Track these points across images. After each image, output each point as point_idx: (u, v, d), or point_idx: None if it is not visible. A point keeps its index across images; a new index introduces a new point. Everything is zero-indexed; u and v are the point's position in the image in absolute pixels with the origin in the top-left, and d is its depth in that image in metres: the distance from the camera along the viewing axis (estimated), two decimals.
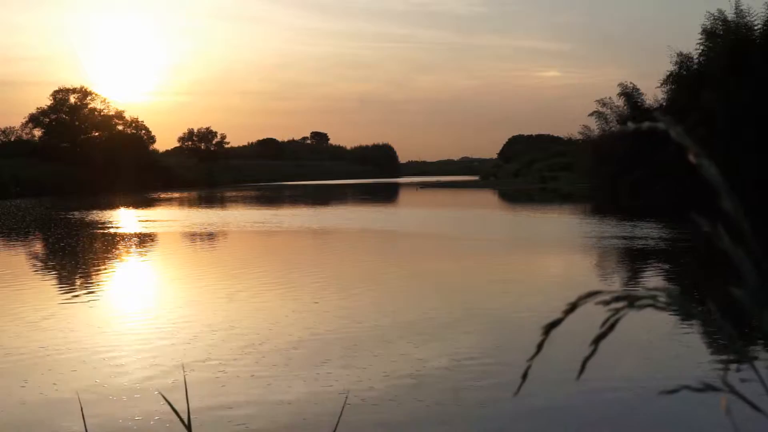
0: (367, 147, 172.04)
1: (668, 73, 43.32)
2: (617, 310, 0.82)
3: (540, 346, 0.86)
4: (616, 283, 13.17)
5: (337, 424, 2.85)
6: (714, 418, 5.82)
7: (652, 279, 13.70)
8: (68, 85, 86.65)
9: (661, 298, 0.80)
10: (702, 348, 8.48)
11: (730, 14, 39.66)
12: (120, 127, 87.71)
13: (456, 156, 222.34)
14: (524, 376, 0.92)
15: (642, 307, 0.81)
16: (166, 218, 32.15)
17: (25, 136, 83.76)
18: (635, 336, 8.61)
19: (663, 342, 8.57)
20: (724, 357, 7.84)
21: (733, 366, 7.40)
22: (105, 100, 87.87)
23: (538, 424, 6.05)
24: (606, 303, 0.82)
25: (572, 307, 0.84)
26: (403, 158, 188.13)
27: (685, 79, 41.31)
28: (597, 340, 0.83)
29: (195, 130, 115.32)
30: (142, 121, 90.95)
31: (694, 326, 9.24)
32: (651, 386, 6.73)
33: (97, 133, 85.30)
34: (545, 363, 7.15)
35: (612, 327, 0.83)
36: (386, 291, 12.68)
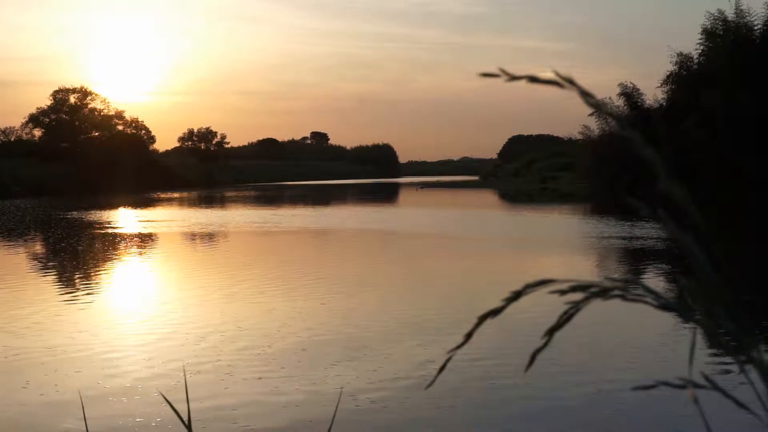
0: (367, 147, 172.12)
1: (668, 73, 43.32)
2: (577, 302, 0.74)
3: (469, 336, 0.79)
4: None
5: (332, 422, 2.85)
6: (695, 414, 5.84)
7: (652, 276, 13.71)
8: (68, 85, 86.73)
9: (634, 290, 0.73)
10: (683, 344, 8.46)
11: (730, 14, 39.73)
12: (120, 127, 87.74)
13: (456, 156, 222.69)
14: (442, 368, 0.85)
15: (607, 298, 0.74)
16: (167, 218, 32.15)
17: (25, 136, 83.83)
18: (620, 332, 8.62)
19: (644, 338, 8.57)
20: (707, 352, 7.82)
21: (717, 361, 7.39)
22: (105, 100, 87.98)
23: (540, 425, 6.05)
24: (562, 293, 0.74)
25: (516, 296, 0.76)
26: (403, 158, 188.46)
27: (685, 79, 41.34)
28: (550, 332, 0.76)
29: (195, 130, 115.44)
30: (142, 121, 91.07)
31: (676, 322, 9.24)
32: (636, 383, 6.74)
33: (97, 133, 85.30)
34: (548, 364, 7.15)
35: (569, 319, 0.75)
36: (388, 291, 12.69)
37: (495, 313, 0.77)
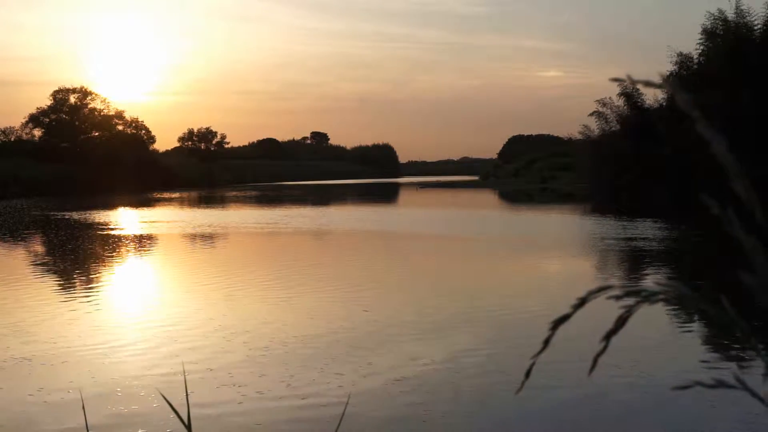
0: (367, 147, 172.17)
1: (668, 73, 43.27)
2: (630, 306, 0.77)
3: (547, 342, 0.82)
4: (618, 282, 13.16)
5: (339, 425, 2.84)
6: (723, 414, 5.82)
7: (655, 278, 13.70)
8: (68, 85, 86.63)
9: (675, 293, 0.76)
10: (714, 344, 8.46)
11: (730, 14, 39.71)
12: (120, 127, 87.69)
13: (456, 156, 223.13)
14: (527, 373, 0.87)
15: (655, 301, 0.77)
16: (167, 219, 32.14)
17: (25, 136, 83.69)
18: (644, 332, 8.60)
19: (674, 338, 8.57)
20: (737, 353, 7.83)
21: (747, 362, 7.39)
22: (105, 100, 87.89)
23: (542, 424, 6.04)
24: (617, 298, 0.77)
25: (581, 302, 0.79)
26: (403, 158, 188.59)
27: (685, 79, 41.31)
28: (608, 336, 0.78)
29: (195, 130, 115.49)
30: (142, 121, 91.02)
31: (704, 322, 9.25)
32: (662, 383, 6.73)
33: (97, 133, 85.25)
34: (551, 360, 7.14)
35: (624, 323, 0.78)
36: (388, 291, 12.67)
37: (565, 319, 0.81)
